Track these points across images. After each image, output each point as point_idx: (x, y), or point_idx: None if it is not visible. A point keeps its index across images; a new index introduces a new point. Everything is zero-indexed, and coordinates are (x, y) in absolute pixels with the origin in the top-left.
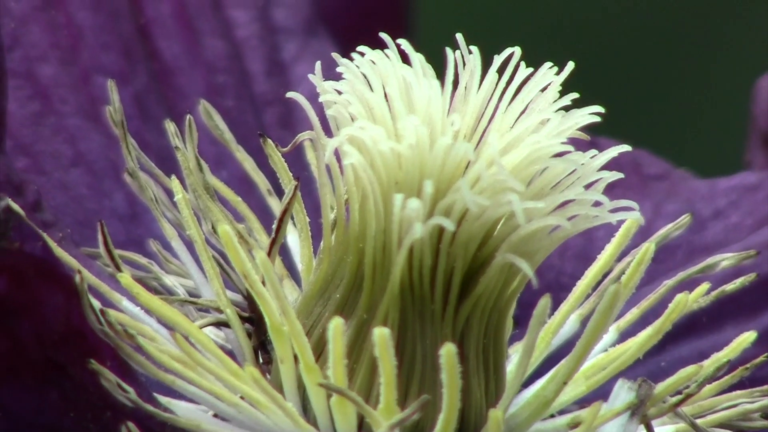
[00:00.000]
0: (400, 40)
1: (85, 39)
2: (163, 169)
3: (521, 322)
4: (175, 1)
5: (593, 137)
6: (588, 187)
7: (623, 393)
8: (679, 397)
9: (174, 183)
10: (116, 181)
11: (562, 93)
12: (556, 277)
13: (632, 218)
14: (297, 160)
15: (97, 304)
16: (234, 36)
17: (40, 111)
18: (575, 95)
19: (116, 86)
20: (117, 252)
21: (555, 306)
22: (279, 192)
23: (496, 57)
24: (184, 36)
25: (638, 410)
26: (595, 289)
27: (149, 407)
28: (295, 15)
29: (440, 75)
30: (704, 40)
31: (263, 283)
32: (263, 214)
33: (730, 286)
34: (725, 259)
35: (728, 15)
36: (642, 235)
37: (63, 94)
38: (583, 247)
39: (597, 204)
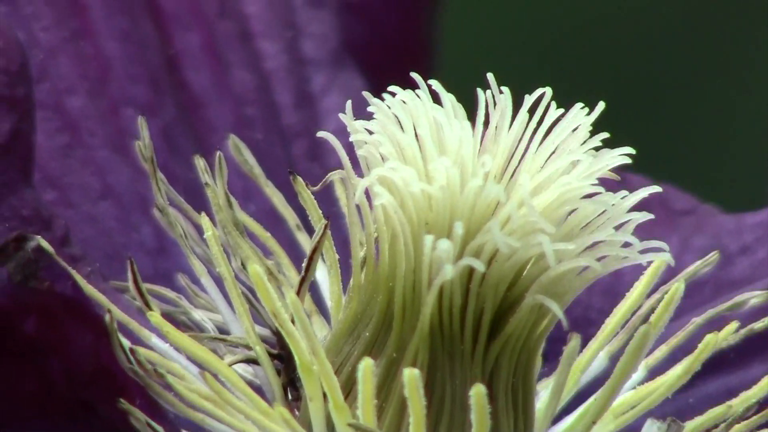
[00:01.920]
0: (431, 81)
1: (113, 70)
2: (190, 203)
3: (549, 357)
4: (204, 32)
5: (621, 173)
6: (618, 228)
7: None
8: None
9: (204, 220)
10: (144, 215)
11: (593, 131)
12: (584, 312)
13: (661, 258)
14: (326, 194)
15: (126, 342)
16: (262, 67)
17: (68, 143)
18: (606, 135)
19: (144, 118)
20: (145, 286)
21: (584, 341)
22: (308, 226)
23: (527, 97)
24: (212, 67)
25: None
26: (624, 325)
27: None
28: (323, 46)
29: (467, 109)
30: (730, 71)
31: (293, 321)
32: (291, 247)
33: (758, 324)
34: (754, 297)
35: (754, 42)
36: (670, 269)
37: (91, 126)
38: (611, 282)
39: (626, 244)
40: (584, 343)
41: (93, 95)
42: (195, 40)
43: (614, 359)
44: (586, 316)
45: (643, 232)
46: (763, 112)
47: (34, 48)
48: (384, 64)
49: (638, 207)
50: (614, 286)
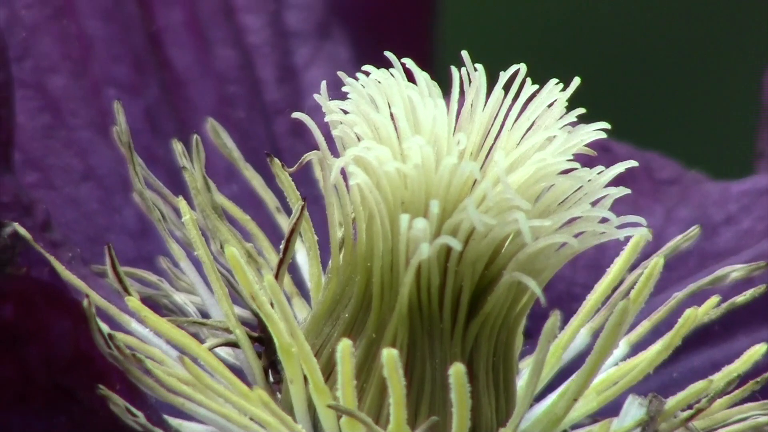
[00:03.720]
0: (405, 59)
1: (96, 50)
2: (174, 184)
3: (533, 334)
4: (187, 8)
5: (606, 143)
6: (595, 203)
7: (634, 409)
8: (690, 412)
9: (181, 204)
10: (126, 196)
11: (575, 103)
12: (568, 288)
13: (640, 233)
14: (307, 175)
15: (105, 328)
16: (245, 43)
17: (50, 124)
18: (582, 110)
19: (126, 99)
20: (127, 269)
21: (567, 316)
22: (288, 208)
23: (501, 73)
24: (195, 44)
25: (649, 427)
26: (606, 301)
27: (159, 431)
28: (308, 17)
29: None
30: (715, 37)
31: (272, 304)
32: (273, 228)
33: (740, 298)
34: (735, 271)
35: (738, 10)
36: (654, 242)
37: (74, 107)
38: (595, 257)
39: (604, 220)
40: (569, 319)
41: (75, 75)
42: (177, 16)
43: (596, 335)
44: (569, 291)
45: (627, 203)
46: (748, 73)
47: (16, 26)
48: (385, 19)
49: (622, 177)
50: (598, 260)
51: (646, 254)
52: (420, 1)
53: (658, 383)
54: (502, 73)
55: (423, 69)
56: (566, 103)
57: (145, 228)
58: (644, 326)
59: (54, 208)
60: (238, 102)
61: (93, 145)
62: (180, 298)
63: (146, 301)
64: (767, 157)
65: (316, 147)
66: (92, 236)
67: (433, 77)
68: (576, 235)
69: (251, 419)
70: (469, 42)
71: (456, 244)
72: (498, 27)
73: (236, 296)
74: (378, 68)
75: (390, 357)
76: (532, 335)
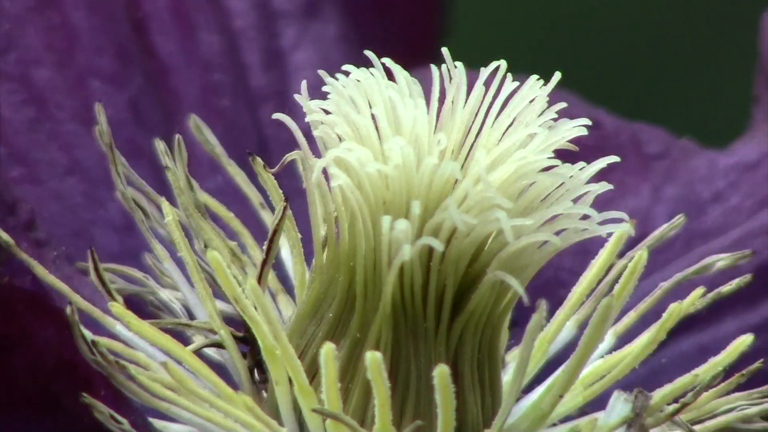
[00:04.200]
0: (385, 59)
1: (80, 41)
2: (158, 178)
3: (519, 322)
4: None
5: (596, 119)
6: (576, 200)
7: (619, 405)
8: (676, 406)
9: (164, 204)
10: (111, 190)
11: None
12: (555, 274)
13: (622, 230)
14: (292, 168)
15: (89, 334)
16: (231, 27)
17: (35, 117)
18: (563, 105)
19: (111, 90)
20: (111, 266)
21: (554, 303)
22: (272, 204)
23: (482, 70)
24: (180, 30)
25: (635, 423)
26: (591, 292)
27: None
28: None
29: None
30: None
31: (255, 306)
32: (257, 222)
33: (726, 288)
34: (721, 260)
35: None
36: (641, 222)
37: (58, 99)
38: (582, 242)
39: (586, 217)
40: (555, 307)
41: (60, 67)
42: (162, 1)
43: (583, 327)
44: (557, 277)
45: (614, 180)
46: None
47: (0, 18)
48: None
49: (610, 153)
50: (585, 245)
51: (633, 238)
52: None
53: (647, 370)
54: (482, 69)
55: (429, 43)
56: (547, 99)
57: (130, 223)
58: (630, 317)
59: (38, 202)
60: (223, 90)
61: (77, 138)
62: (165, 295)
63: (132, 297)
64: (763, 103)
65: (301, 134)
66: (77, 231)
67: (438, 55)
68: (558, 233)
69: (236, 422)
70: (473, 41)
71: (438, 245)
72: (503, 23)
73: (221, 293)
74: (376, 44)
75: (373, 360)
76: (518, 323)
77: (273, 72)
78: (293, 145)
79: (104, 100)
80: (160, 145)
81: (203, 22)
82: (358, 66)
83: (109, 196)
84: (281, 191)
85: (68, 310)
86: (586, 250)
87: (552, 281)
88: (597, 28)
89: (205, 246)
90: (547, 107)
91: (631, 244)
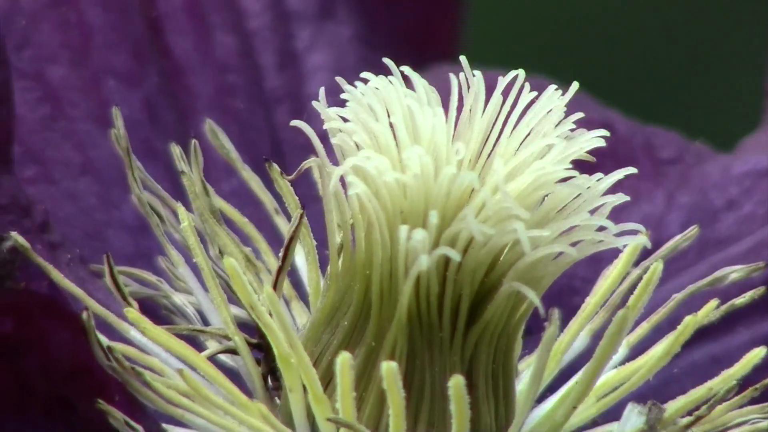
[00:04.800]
0: (404, 67)
1: (95, 38)
2: (172, 180)
3: (533, 330)
4: None
5: (609, 124)
6: (593, 211)
7: (633, 417)
8: (690, 418)
9: (180, 210)
10: (125, 191)
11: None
12: (569, 281)
13: (637, 241)
14: (307, 175)
15: (104, 340)
16: (246, 27)
17: (50, 115)
18: (581, 115)
19: (126, 89)
20: (125, 269)
21: (567, 312)
22: (287, 209)
23: (500, 79)
24: (195, 31)
25: None
26: (605, 302)
27: None
28: None
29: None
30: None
31: (270, 313)
32: (272, 227)
33: (739, 300)
34: (734, 272)
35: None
36: (655, 230)
37: (73, 97)
38: None
39: (602, 228)
40: (568, 315)
41: (75, 64)
42: (178, 1)
43: (596, 337)
44: (570, 285)
45: (628, 187)
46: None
47: (16, 14)
48: None
49: (624, 158)
50: (599, 253)
51: (646, 246)
52: None
53: (659, 379)
54: (500, 79)
55: (443, 43)
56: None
57: (144, 224)
58: (644, 328)
59: (53, 203)
60: (238, 91)
61: (92, 137)
62: (179, 299)
63: (146, 301)
64: None
65: (317, 137)
66: (91, 232)
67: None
68: (574, 244)
69: (250, 430)
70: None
71: (455, 255)
72: (515, 24)
73: (236, 299)
74: (391, 44)
75: (389, 370)
76: (531, 332)
77: (288, 73)
78: (307, 148)
79: (119, 99)
80: (175, 150)
81: (218, 23)
82: (373, 68)
83: (123, 197)
84: (297, 198)
85: (84, 315)
86: (600, 257)
87: (565, 289)
88: (608, 31)
89: (220, 252)
90: (566, 117)
91: (644, 252)
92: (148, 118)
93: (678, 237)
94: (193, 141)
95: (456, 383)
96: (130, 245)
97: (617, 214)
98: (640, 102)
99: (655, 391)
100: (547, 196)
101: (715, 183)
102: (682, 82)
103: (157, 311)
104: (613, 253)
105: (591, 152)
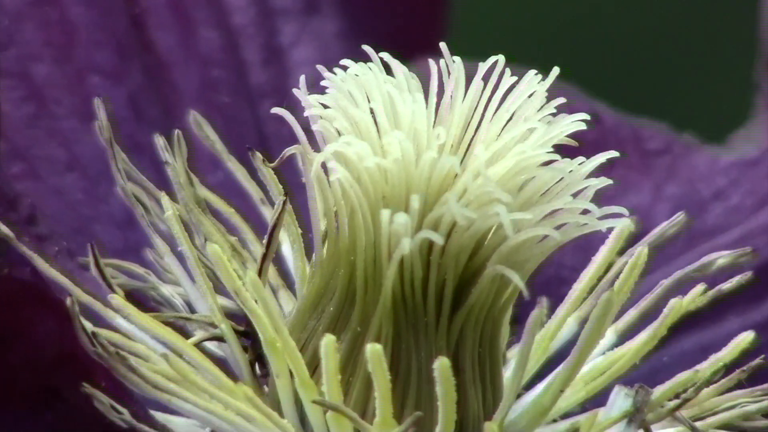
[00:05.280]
0: (383, 53)
1: (78, 36)
2: (159, 172)
3: (522, 320)
4: None
5: (596, 114)
6: (576, 195)
7: (620, 400)
8: (677, 401)
9: (164, 199)
10: (111, 185)
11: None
12: (557, 271)
13: (623, 224)
14: (293, 162)
15: (89, 326)
16: (230, 23)
17: (34, 113)
18: (562, 100)
19: (110, 85)
20: (113, 262)
21: (555, 301)
22: (273, 200)
23: (480, 65)
24: (179, 26)
25: (636, 418)
26: (592, 289)
27: (145, 427)
28: None
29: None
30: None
31: (256, 300)
32: (258, 217)
33: (726, 286)
34: (721, 258)
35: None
36: (643, 221)
37: (57, 95)
38: (584, 239)
39: (586, 211)
40: (557, 304)
41: (58, 62)
42: None
43: (584, 324)
44: (558, 275)
45: (616, 176)
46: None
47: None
48: None
49: (611, 146)
50: (587, 242)
51: (634, 235)
52: None
53: (648, 368)
54: (480, 64)
55: (431, 38)
56: (547, 94)
57: (132, 218)
58: (631, 315)
59: (39, 199)
60: (223, 86)
61: (77, 134)
62: (167, 290)
63: (134, 293)
64: (765, 91)
65: (302, 131)
66: (78, 227)
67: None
68: (558, 227)
69: (238, 414)
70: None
71: (437, 239)
72: (506, 19)
73: (222, 287)
74: (377, 39)
75: (374, 353)
76: (521, 321)
77: (272, 68)
78: (294, 141)
79: (103, 95)
80: (159, 141)
81: (202, 18)
82: (357, 61)
83: (110, 192)
84: (281, 186)
85: (68, 301)
86: (588, 247)
87: (553, 279)
88: (598, 24)
89: (206, 241)
90: (548, 102)
91: (632, 242)
92: (133, 114)
93: (665, 223)
94: (177, 131)
95: (442, 364)
96: (118, 239)
97: (605, 203)
98: (629, 95)
99: (645, 380)
100: (529, 180)
101: (702, 174)
102: (672, 75)
103: (146, 303)
104: (602, 243)
105: (579, 143)
